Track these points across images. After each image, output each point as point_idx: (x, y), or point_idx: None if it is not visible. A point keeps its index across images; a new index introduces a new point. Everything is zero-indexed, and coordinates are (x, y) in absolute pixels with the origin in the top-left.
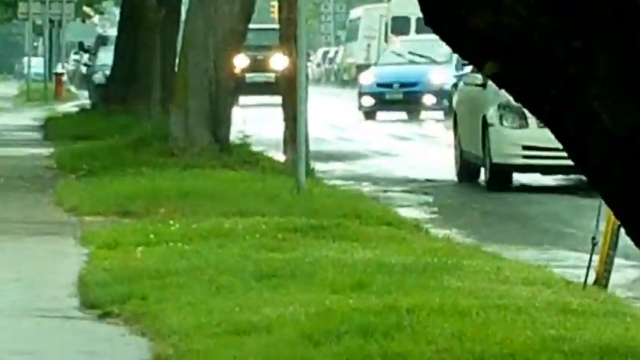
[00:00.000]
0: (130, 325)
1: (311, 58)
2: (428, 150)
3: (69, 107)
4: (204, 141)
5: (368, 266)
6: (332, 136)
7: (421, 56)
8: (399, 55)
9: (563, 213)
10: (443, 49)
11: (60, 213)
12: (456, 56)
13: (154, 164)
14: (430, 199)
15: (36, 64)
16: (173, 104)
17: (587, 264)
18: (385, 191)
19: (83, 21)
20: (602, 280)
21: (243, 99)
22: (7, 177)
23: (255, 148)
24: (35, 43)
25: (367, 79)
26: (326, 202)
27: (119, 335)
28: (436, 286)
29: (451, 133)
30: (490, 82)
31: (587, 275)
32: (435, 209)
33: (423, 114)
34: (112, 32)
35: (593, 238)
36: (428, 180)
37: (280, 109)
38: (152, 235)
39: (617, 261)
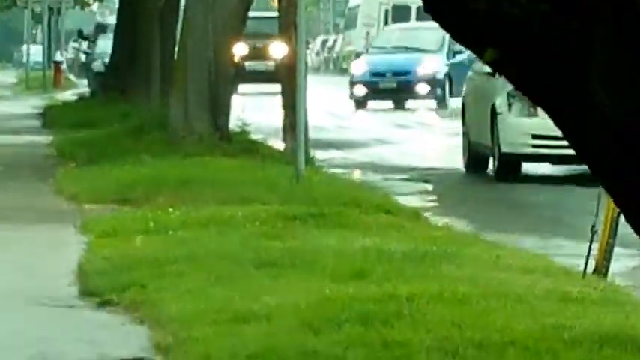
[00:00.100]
0: (130, 313)
1: (310, 46)
2: (427, 138)
3: (68, 95)
4: (204, 129)
5: (368, 254)
6: (331, 125)
7: (407, 48)
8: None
9: (564, 201)
10: (434, 37)
11: (59, 201)
12: (447, 45)
13: (153, 152)
14: (430, 187)
15: (35, 52)
16: (172, 92)
17: (586, 252)
18: (385, 179)
19: (82, 9)
20: (602, 269)
21: (242, 87)
22: (7, 165)
23: (254, 137)
24: (34, 31)
25: (359, 67)
26: (325, 191)
27: (118, 323)
28: (436, 274)
29: (449, 121)
30: None
31: (586, 263)
32: (435, 197)
33: (415, 103)
34: (112, 20)
35: (593, 227)
36: (428, 168)
37: (279, 97)
38: (152, 223)
39: (616, 249)
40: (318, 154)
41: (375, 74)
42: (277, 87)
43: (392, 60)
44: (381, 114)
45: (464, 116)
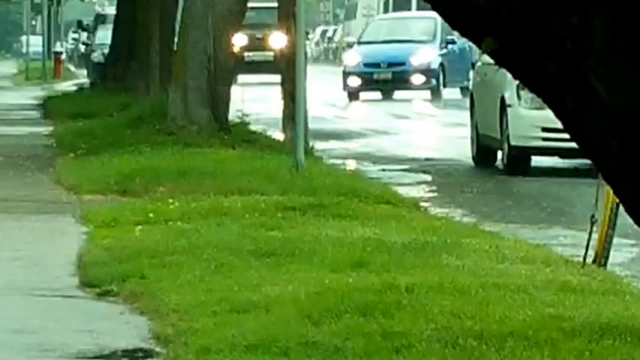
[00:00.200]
0: (129, 304)
1: (310, 36)
2: (425, 129)
3: (68, 86)
4: (203, 120)
5: (367, 245)
6: (331, 115)
7: (399, 39)
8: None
9: (563, 192)
10: (425, 27)
11: (59, 192)
12: (439, 34)
13: (152, 143)
14: (429, 177)
15: (34, 43)
16: (172, 83)
17: (586, 243)
18: (384, 170)
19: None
20: (601, 259)
21: (242, 77)
22: (7, 156)
23: (253, 127)
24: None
25: (352, 58)
26: (325, 181)
27: (118, 314)
28: (435, 264)
29: (447, 111)
30: None
31: (586, 254)
32: (435, 188)
33: (406, 93)
34: (111, 10)
35: (592, 217)
36: (427, 159)
37: (279, 87)
38: (151, 214)
39: (616, 239)
40: (318, 145)
41: (368, 65)
42: (277, 77)
43: (386, 51)
44: (380, 105)
45: (472, 108)
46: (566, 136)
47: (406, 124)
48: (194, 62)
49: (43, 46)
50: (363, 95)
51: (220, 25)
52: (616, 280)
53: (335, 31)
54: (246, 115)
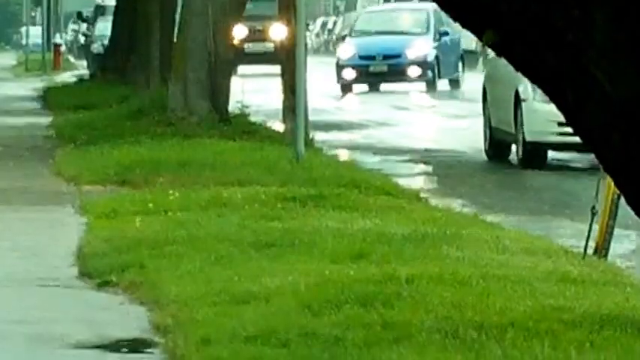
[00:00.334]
0: (129, 294)
1: (310, 28)
2: (425, 120)
3: (67, 77)
4: (203, 111)
5: (367, 236)
6: (331, 106)
7: (393, 31)
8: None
9: (564, 183)
10: (418, 19)
11: (59, 182)
12: (433, 26)
13: (152, 134)
14: (430, 168)
15: (34, 35)
16: (172, 74)
17: (586, 234)
18: (384, 161)
19: None
20: (602, 250)
21: (242, 69)
22: (7, 147)
23: (253, 118)
24: (33, 13)
25: (346, 51)
26: (325, 172)
27: (118, 304)
28: (436, 255)
29: (446, 103)
30: None
31: (586, 245)
32: (435, 179)
33: (406, 86)
34: (111, 2)
35: (593, 208)
36: (427, 150)
37: (279, 79)
38: (151, 205)
39: (616, 231)
40: (318, 136)
41: (364, 57)
42: (277, 69)
43: (381, 43)
44: (379, 96)
45: (484, 101)
46: None
47: (405, 116)
48: (194, 54)
49: (43, 37)
50: (355, 88)
51: (220, 17)
52: (617, 272)
53: (335, 22)
54: (246, 107)
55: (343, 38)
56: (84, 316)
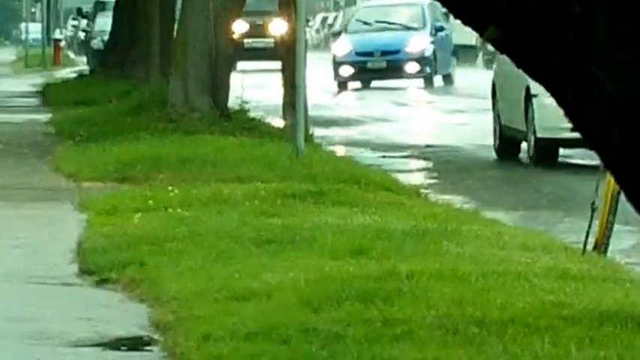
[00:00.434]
0: (129, 291)
1: (310, 23)
2: (424, 116)
3: (67, 73)
4: (203, 107)
5: (367, 232)
6: (330, 102)
7: (389, 23)
8: (365, 23)
9: (564, 179)
10: (414, 14)
11: (58, 179)
12: (429, 21)
13: (152, 130)
14: (430, 164)
15: (34, 30)
16: (172, 70)
17: (586, 230)
18: (384, 157)
19: None
20: (602, 246)
21: (242, 64)
22: (6, 143)
23: (253, 114)
24: (33, 9)
25: (343, 47)
26: (325, 168)
27: (118, 301)
28: (436, 251)
29: (444, 98)
30: None
31: (586, 241)
32: (435, 175)
33: (400, 82)
34: None
35: (593, 204)
36: (427, 146)
37: (279, 74)
38: (151, 201)
39: (616, 227)
40: (318, 132)
41: (361, 54)
42: (277, 64)
43: (379, 39)
44: (378, 92)
45: (494, 98)
46: None
47: (405, 112)
48: (194, 49)
49: (43, 33)
50: (351, 85)
51: (221, 12)
52: (616, 268)
53: (335, 18)
54: (246, 103)
55: (338, 34)
56: (84, 313)
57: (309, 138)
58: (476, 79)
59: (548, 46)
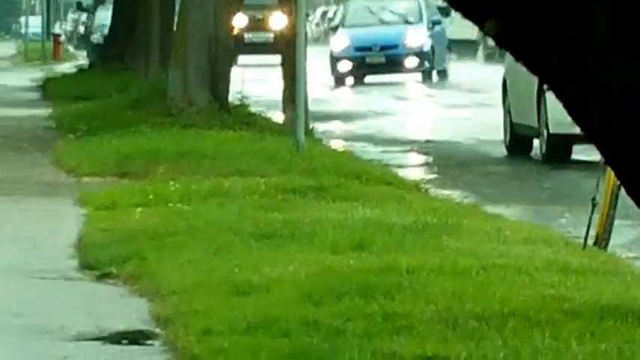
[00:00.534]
0: (129, 286)
1: (310, 17)
2: (425, 110)
3: (67, 67)
4: (203, 101)
5: (368, 226)
6: (330, 96)
7: (392, 12)
8: (370, 12)
9: (565, 173)
10: (410, 8)
11: (58, 173)
12: (425, 15)
13: (152, 124)
14: (430, 159)
15: (33, 24)
16: (172, 64)
17: (587, 224)
18: (385, 151)
19: None
20: (603, 240)
21: (242, 59)
22: (6, 137)
23: (253, 108)
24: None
25: (340, 42)
26: (325, 162)
27: (118, 296)
28: (436, 245)
29: (444, 93)
30: None
31: (587, 235)
32: (435, 169)
33: (398, 77)
34: None
35: (593, 199)
36: (428, 140)
37: (279, 69)
38: (151, 196)
39: (617, 221)
40: (318, 126)
41: (359, 49)
42: (277, 58)
43: (377, 33)
44: (378, 87)
45: (505, 94)
46: None
47: (405, 106)
48: (194, 43)
49: (42, 27)
50: (348, 80)
51: (221, 6)
52: (617, 262)
53: (336, 11)
54: (246, 97)
55: (335, 29)
56: (84, 307)
57: (309, 132)
58: (476, 73)
59: (548, 45)
